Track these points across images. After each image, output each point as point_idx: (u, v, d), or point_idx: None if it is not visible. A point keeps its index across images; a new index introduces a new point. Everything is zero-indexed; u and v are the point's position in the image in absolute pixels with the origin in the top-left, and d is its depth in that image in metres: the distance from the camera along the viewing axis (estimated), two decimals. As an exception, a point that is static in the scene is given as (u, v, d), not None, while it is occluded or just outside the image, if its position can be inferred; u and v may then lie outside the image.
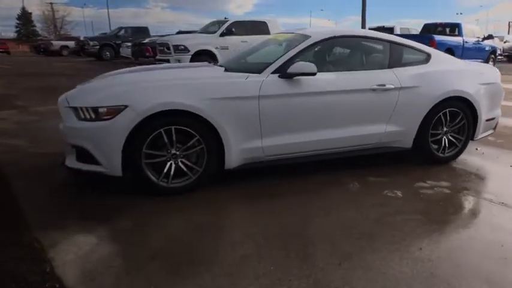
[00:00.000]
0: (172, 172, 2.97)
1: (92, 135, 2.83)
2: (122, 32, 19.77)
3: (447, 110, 3.63)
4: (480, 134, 3.91)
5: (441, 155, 3.76)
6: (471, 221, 2.72)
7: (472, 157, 4.01)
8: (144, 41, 16.29)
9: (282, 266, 2.09)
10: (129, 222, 2.61)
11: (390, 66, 3.54)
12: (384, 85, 3.39)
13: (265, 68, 3.18)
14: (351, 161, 3.64)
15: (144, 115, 2.78)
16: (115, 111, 2.80)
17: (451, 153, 3.80)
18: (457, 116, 3.71)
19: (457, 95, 3.61)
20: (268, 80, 3.10)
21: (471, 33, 12.57)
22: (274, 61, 3.21)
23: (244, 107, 3.03)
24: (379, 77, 3.42)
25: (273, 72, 3.15)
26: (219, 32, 10.68)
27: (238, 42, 10.88)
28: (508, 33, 32.67)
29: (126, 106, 2.79)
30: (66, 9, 72.46)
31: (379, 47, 3.63)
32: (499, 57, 15.25)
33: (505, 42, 18.76)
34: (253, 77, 3.11)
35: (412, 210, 2.81)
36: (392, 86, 3.41)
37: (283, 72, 3.14)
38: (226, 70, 3.37)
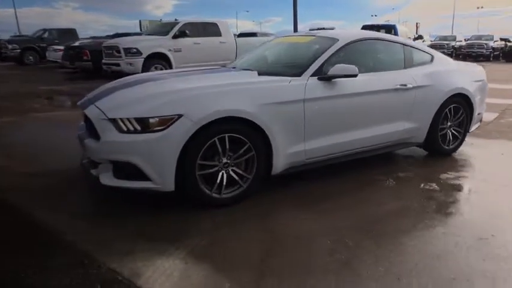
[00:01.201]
0: (224, 182, 2.83)
1: (142, 148, 2.57)
2: (46, 34, 18.04)
3: (452, 106, 3.95)
4: (473, 127, 4.32)
5: (446, 147, 4.08)
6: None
7: (465, 148, 4.40)
8: (75, 44, 15.07)
9: (387, 261, 2.12)
10: (203, 239, 2.43)
11: (406, 67, 3.76)
12: (405, 85, 3.58)
13: (303, 71, 3.17)
14: (361, 162, 3.67)
15: (200, 124, 2.61)
16: (168, 121, 2.58)
17: (454, 145, 4.14)
18: (458, 111, 4.05)
19: (460, 92, 3.94)
20: (310, 83, 3.09)
21: (404, 34, 13.74)
22: (311, 64, 3.21)
23: (290, 111, 2.99)
24: (400, 78, 3.60)
25: (312, 75, 3.15)
26: (172, 33, 10.29)
27: (191, 44, 10.65)
28: (416, 33, 35.98)
29: (180, 115, 2.59)
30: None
31: (396, 49, 3.82)
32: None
33: (423, 41, 20.78)
34: (296, 81, 3.08)
35: (456, 199, 3.03)
36: (411, 86, 3.62)
37: (321, 74, 3.16)
38: (259, 74, 3.27)
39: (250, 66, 3.70)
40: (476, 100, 4.14)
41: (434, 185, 3.29)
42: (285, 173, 3.12)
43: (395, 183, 3.35)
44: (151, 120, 2.57)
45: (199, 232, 2.52)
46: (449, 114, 3.97)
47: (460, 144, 4.19)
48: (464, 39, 22.55)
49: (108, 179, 2.71)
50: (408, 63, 3.79)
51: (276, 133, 2.92)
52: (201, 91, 2.79)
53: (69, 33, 18.21)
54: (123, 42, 9.89)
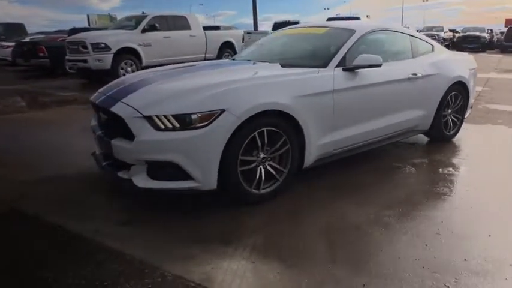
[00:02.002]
0: (263, 177, 2.76)
1: (183, 146, 2.44)
2: (-10, 29, 16.64)
3: (452, 93, 4.13)
4: (467, 113, 4.55)
5: (448, 133, 4.27)
6: None
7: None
8: (26, 40, 14.04)
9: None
10: (259, 236, 2.36)
11: (413, 57, 3.87)
12: (416, 74, 3.69)
13: (327, 62, 3.16)
14: (369, 153, 3.68)
15: (243, 118, 2.52)
16: (210, 116, 2.47)
17: (454, 131, 4.34)
18: (457, 98, 4.25)
19: (460, 80, 4.13)
20: (336, 74, 3.09)
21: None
22: (334, 55, 3.21)
23: (321, 103, 2.98)
24: (411, 67, 3.71)
25: (337, 66, 3.15)
26: (141, 27, 9.86)
27: (161, 39, 10.29)
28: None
29: (223, 110, 2.48)
30: None
31: (404, 39, 3.92)
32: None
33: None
34: (323, 72, 3.06)
35: (479, 180, 3.19)
36: (421, 75, 3.73)
37: (344, 65, 3.17)
38: (282, 66, 3.22)
39: (264, 59, 3.63)
40: (471, 88, 4.36)
41: (451, 170, 3.44)
42: (314, 165, 3.11)
43: (415, 170, 3.46)
44: (193, 117, 2.44)
45: (251, 229, 2.45)
46: (450, 102, 4.16)
47: (459, 130, 4.40)
48: (417, 31, 23.65)
49: (143, 181, 2.55)
50: (415, 53, 3.92)
51: (309, 125, 2.90)
52: (241, 84, 2.69)
53: (17, 28, 16.97)
54: (90, 37, 9.34)
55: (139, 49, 9.81)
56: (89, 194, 3.03)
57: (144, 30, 9.90)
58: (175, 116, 2.46)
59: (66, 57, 9.96)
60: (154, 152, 2.48)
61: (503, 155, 3.89)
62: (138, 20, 10.20)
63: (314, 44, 3.66)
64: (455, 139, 4.38)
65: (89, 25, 32.95)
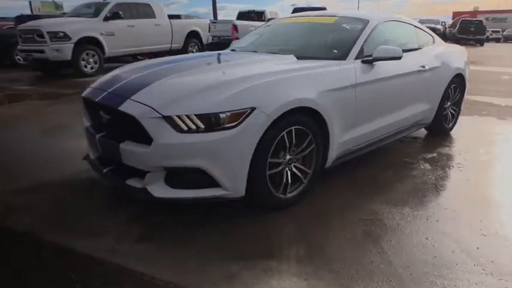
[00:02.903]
0: (290, 180, 2.53)
1: (211, 149, 2.14)
2: None
3: (452, 86, 4.11)
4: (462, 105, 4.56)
5: (447, 126, 4.25)
6: None
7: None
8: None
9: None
10: (299, 246, 2.12)
11: (420, 49, 3.77)
12: (424, 66, 3.59)
13: (345, 54, 2.96)
14: (374, 150, 3.55)
15: (274, 116, 2.26)
16: (240, 115, 2.18)
17: (452, 124, 4.34)
18: (456, 91, 4.23)
19: (459, 72, 4.11)
20: (357, 67, 2.90)
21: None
22: (351, 46, 3.02)
23: (345, 97, 2.78)
24: (420, 59, 3.61)
25: (355, 58, 2.96)
26: (102, 15, 9.14)
27: (125, 27, 9.65)
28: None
29: (253, 108, 2.20)
30: None
31: (410, 30, 3.81)
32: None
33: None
34: (345, 64, 2.86)
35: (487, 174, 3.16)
36: (428, 67, 3.65)
37: (362, 57, 2.99)
38: (298, 58, 2.98)
39: (273, 50, 3.35)
40: (467, 80, 4.37)
41: (464, 163, 3.40)
42: (334, 164, 2.92)
43: (430, 165, 3.37)
44: (221, 116, 2.14)
45: (286, 239, 2.21)
46: (450, 94, 4.13)
47: (456, 122, 4.40)
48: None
49: (161, 191, 2.23)
50: (421, 45, 3.83)
51: (333, 122, 2.69)
52: (269, 78, 2.40)
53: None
54: (47, 25, 8.50)
55: (102, 39, 9.12)
56: (87, 203, 2.64)
57: (106, 18, 9.21)
58: (200, 116, 2.15)
59: (18, 47, 9.05)
60: (177, 157, 2.16)
61: (506, 145, 3.93)
62: (99, 7, 9.45)
63: (327, 34, 3.43)
64: (452, 132, 4.38)
65: (32, 12, 30.59)
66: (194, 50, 12.17)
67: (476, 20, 24.93)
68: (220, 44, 14.27)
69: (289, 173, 2.53)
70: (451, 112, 4.26)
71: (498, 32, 33.56)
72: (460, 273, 1.91)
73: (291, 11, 14.95)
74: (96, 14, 9.31)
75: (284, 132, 2.38)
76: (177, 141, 2.14)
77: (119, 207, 2.58)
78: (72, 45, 8.53)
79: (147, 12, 10.41)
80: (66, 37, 8.48)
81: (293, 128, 2.43)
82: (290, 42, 3.56)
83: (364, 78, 2.92)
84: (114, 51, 9.48)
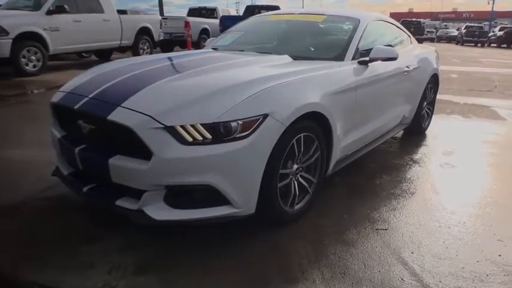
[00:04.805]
0: (297, 192, 2.33)
1: (222, 163, 1.88)
2: None
3: (429, 85, 4.15)
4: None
5: (424, 126, 4.30)
6: None
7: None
8: None
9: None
10: (326, 269, 1.93)
11: (403, 49, 3.75)
12: (408, 66, 3.57)
13: (342, 54, 2.82)
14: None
15: (287, 123, 2.05)
16: (252, 124, 1.94)
17: (427, 123, 4.40)
18: (431, 90, 4.29)
19: (435, 72, 4.16)
20: (355, 67, 2.78)
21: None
22: (347, 46, 2.89)
23: (346, 100, 2.63)
24: (405, 59, 3.57)
25: (352, 59, 2.84)
26: (45, 8, 8.30)
27: (71, 22, 8.88)
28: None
29: (266, 115, 1.97)
30: None
31: (394, 30, 3.77)
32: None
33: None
34: (344, 66, 2.72)
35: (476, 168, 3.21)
36: (411, 67, 3.63)
37: (357, 57, 2.87)
38: (295, 59, 2.78)
39: (263, 50, 3.12)
40: (439, 80, 4.45)
41: (451, 161, 3.43)
42: (333, 171, 2.76)
43: (419, 166, 3.36)
44: (233, 125, 1.89)
45: (303, 256, 2.02)
46: (427, 94, 4.17)
47: (430, 121, 4.47)
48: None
49: (162, 212, 1.93)
50: (403, 45, 3.81)
51: (337, 126, 2.54)
52: (278, 82, 2.16)
53: None
54: (-21, 18, 7.55)
55: (45, 34, 8.29)
56: (65, 227, 2.25)
57: (49, 12, 8.38)
58: (206, 126, 1.87)
59: None
60: (182, 173, 1.87)
61: (478, 140, 4.05)
62: (39, -1, 8.58)
63: (318, 33, 3.26)
64: (427, 131, 4.44)
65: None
66: (145, 47, 11.57)
67: (416, 21, 26.44)
68: (172, 41, 13.73)
69: (296, 183, 2.34)
70: (426, 111, 4.32)
71: (432, 32, 35.93)
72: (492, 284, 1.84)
73: (243, 9, 14.60)
74: (36, 7, 8.43)
75: (294, 140, 2.18)
76: (182, 155, 1.85)
77: (105, 230, 2.22)
78: (11, 40, 7.64)
79: (94, 6, 9.67)
80: (3, 32, 7.55)
81: (302, 134, 2.23)
82: (280, 41, 3.35)
83: (362, 80, 2.80)
84: (59, 48, 8.68)
